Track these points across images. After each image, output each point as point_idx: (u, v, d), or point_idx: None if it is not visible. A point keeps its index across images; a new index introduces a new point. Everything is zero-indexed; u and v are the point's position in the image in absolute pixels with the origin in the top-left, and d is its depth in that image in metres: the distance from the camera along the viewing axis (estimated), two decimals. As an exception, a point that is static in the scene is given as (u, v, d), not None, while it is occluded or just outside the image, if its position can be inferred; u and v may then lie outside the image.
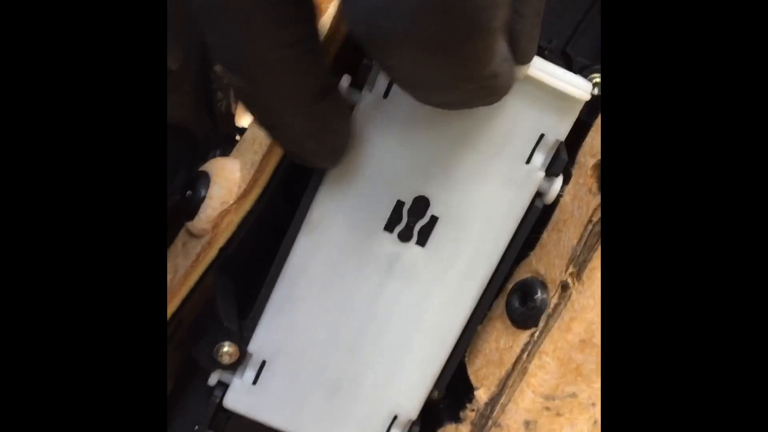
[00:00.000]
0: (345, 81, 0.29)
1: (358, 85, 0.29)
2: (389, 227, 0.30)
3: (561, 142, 0.29)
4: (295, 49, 0.23)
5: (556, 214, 0.30)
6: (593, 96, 0.30)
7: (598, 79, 0.30)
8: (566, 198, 0.30)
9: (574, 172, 0.30)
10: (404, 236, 0.30)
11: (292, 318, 0.31)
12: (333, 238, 0.30)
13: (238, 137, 0.37)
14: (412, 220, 0.30)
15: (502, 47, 0.22)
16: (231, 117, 0.37)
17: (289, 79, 0.24)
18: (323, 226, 0.30)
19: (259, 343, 0.31)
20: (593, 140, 0.30)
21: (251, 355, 0.31)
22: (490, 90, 0.23)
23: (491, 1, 0.20)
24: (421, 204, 0.30)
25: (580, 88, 0.28)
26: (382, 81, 0.28)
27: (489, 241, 0.30)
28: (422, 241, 0.30)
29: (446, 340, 0.31)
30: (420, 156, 0.29)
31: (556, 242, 0.30)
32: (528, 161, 0.29)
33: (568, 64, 0.32)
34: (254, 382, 0.32)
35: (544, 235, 0.31)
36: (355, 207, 0.30)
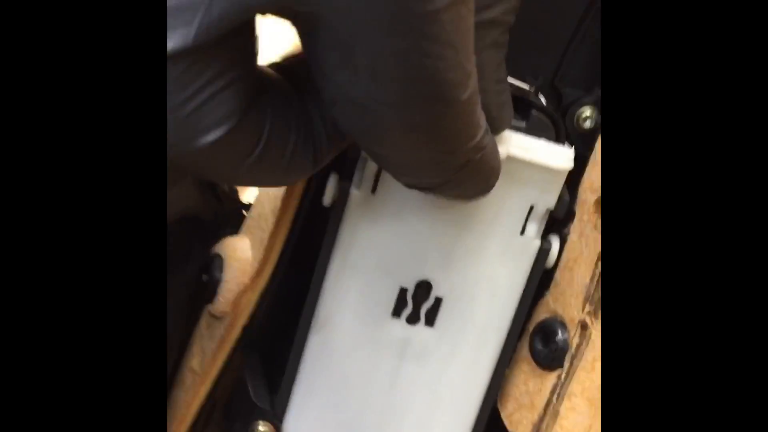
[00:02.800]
0: (332, 179, 0.29)
1: (345, 181, 0.29)
2: (396, 312, 0.30)
3: (550, 211, 0.30)
4: None
5: (566, 254, 0.30)
6: (586, 129, 0.30)
7: (588, 113, 0.30)
8: (573, 236, 0.30)
9: (577, 209, 0.30)
10: (412, 319, 0.31)
11: (317, 410, 0.32)
12: (342, 333, 0.31)
13: (244, 212, 0.37)
14: (417, 304, 0.30)
15: (482, 119, 0.23)
16: (235, 194, 0.37)
17: None
18: (331, 322, 0.31)
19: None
20: (591, 175, 0.30)
21: None
22: (479, 167, 0.24)
23: (459, 77, 0.21)
24: (423, 288, 0.30)
25: (562, 158, 0.29)
26: (369, 177, 0.29)
27: (495, 313, 0.31)
28: (430, 322, 0.31)
29: (468, 411, 0.32)
30: (416, 243, 0.30)
31: (569, 281, 0.30)
32: (522, 232, 0.30)
33: (558, 98, 0.32)
34: None
35: (557, 274, 0.31)
36: (360, 299, 0.30)
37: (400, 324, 0.31)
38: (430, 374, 0.31)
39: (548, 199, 0.29)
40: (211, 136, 0.21)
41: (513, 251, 0.30)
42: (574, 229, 0.30)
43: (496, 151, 0.25)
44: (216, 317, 0.34)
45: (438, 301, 0.30)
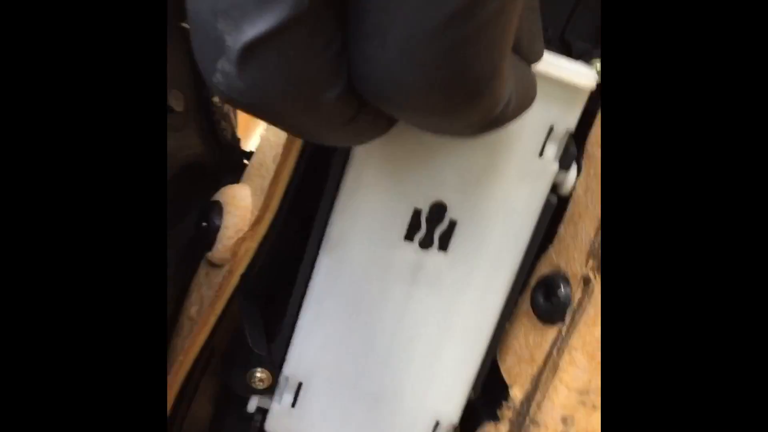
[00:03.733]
0: None
1: None
2: (409, 236, 0.30)
3: (571, 134, 0.29)
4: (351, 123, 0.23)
5: (571, 208, 0.30)
6: (598, 84, 0.29)
7: (598, 67, 0.30)
8: (579, 191, 0.30)
9: (584, 163, 0.30)
10: (425, 243, 0.30)
11: (323, 337, 0.31)
12: (354, 253, 0.30)
13: (245, 161, 0.37)
14: (431, 227, 0.30)
15: (508, 87, 0.22)
16: (237, 142, 0.37)
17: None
18: (343, 243, 0.30)
19: (294, 365, 0.32)
20: (599, 129, 0.29)
21: (287, 378, 0.32)
22: (502, 119, 0.23)
23: (490, 67, 0.20)
24: (438, 210, 0.29)
25: (585, 77, 0.28)
26: None
27: (510, 239, 0.30)
28: (444, 247, 0.30)
29: (479, 341, 0.31)
30: (432, 162, 0.29)
31: (573, 236, 0.30)
32: (541, 154, 0.29)
33: (568, 51, 0.31)
34: (293, 405, 0.32)
35: (561, 228, 0.30)
36: (373, 220, 0.29)
37: (413, 248, 0.30)
38: (442, 300, 0.31)
39: (569, 120, 0.28)
40: (335, 90, 0.20)
41: (531, 174, 0.29)
42: (580, 184, 0.30)
43: (529, 85, 0.24)
44: (215, 265, 0.34)
45: (452, 225, 0.29)
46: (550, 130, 0.29)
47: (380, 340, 0.31)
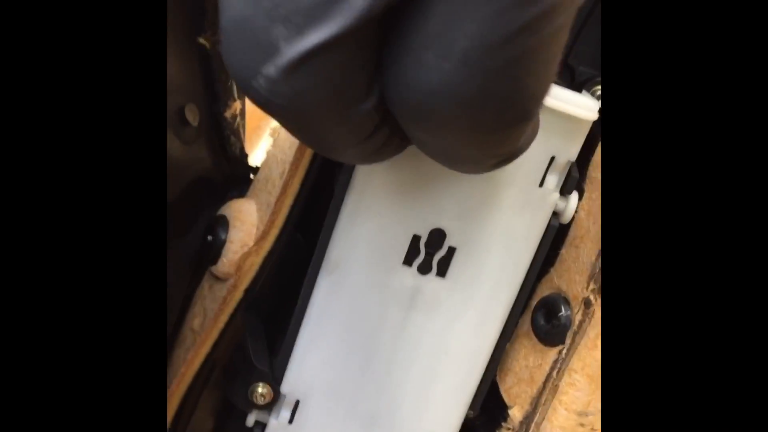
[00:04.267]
0: None
1: None
2: (408, 261, 0.30)
3: (572, 162, 0.29)
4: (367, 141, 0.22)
5: (573, 231, 0.30)
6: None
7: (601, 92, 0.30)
8: (581, 214, 0.30)
9: (587, 187, 0.30)
10: (424, 269, 0.30)
11: (321, 357, 0.31)
12: (353, 277, 0.30)
13: (252, 176, 0.37)
14: (430, 253, 0.30)
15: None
16: (245, 157, 0.37)
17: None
18: (342, 266, 0.30)
19: (291, 383, 0.32)
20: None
21: (284, 395, 0.32)
22: (514, 156, 0.23)
23: (541, 94, 0.20)
24: (437, 236, 0.30)
25: (587, 109, 0.28)
26: None
27: (509, 266, 0.30)
28: (442, 272, 0.30)
29: (476, 364, 0.32)
30: (432, 189, 0.29)
31: (575, 258, 0.30)
32: (541, 184, 0.29)
33: (572, 76, 0.32)
34: (290, 422, 0.32)
35: (563, 251, 0.31)
36: (373, 244, 0.30)
37: (411, 273, 0.30)
38: (439, 326, 0.31)
39: (570, 151, 0.29)
40: (369, 103, 0.20)
41: (531, 203, 0.29)
42: (582, 207, 0.30)
43: (531, 139, 0.24)
44: (219, 278, 0.34)
45: (451, 251, 0.30)
46: (551, 160, 0.29)
47: (377, 362, 0.32)
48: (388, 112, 0.21)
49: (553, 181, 0.29)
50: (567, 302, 0.30)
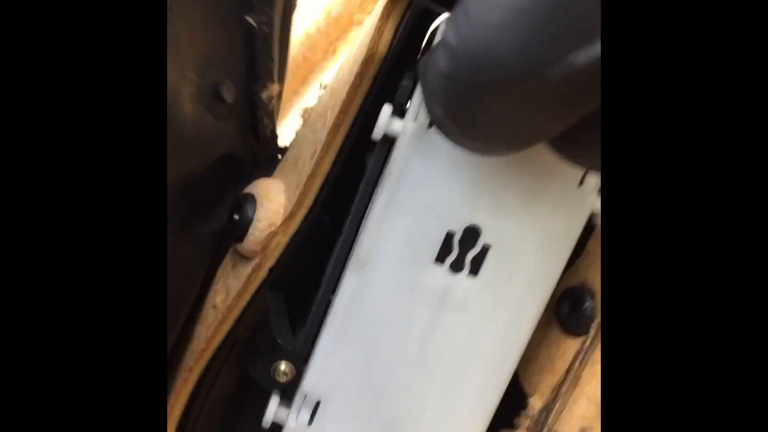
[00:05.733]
0: (386, 110, 0.28)
1: (399, 113, 0.28)
2: (440, 258, 0.29)
3: None
4: None
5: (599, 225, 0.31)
6: None
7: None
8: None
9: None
10: (456, 267, 0.29)
11: (345, 356, 0.31)
12: (383, 274, 0.29)
13: (279, 156, 0.37)
14: (463, 251, 0.29)
15: None
16: (275, 139, 0.37)
17: None
18: (372, 262, 0.29)
19: (313, 382, 0.31)
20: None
21: (305, 395, 0.31)
22: None
23: None
24: (471, 234, 0.29)
25: None
26: (425, 111, 0.27)
27: (544, 267, 0.30)
28: (474, 271, 0.29)
29: (504, 369, 0.31)
30: (468, 185, 0.28)
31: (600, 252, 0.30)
32: (580, 184, 0.28)
33: None
34: (309, 423, 0.31)
35: (589, 243, 0.31)
36: (404, 241, 0.29)
37: (443, 271, 0.29)
38: (469, 326, 0.30)
39: None
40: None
41: (569, 203, 0.28)
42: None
43: None
44: (243, 256, 0.35)
45: (485, 250, 0.29)
46: None
47: (403, 364, 0.31)
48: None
49: (593, 181, 0.28)
50: (592, 294, 0.30)
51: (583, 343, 0.30)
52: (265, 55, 0.33)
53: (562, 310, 0.31)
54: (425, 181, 0.28)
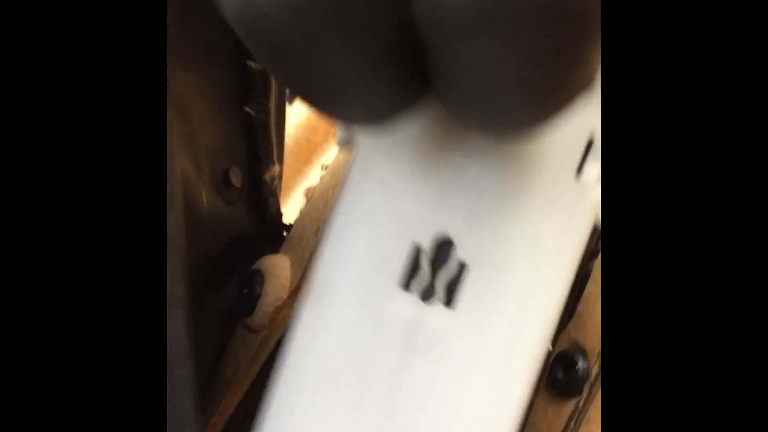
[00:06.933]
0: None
1: None
2: (406, 282, 0.23)
3: None
4: None
5: (589, 287, 0.32)
6: None
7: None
8: (595, 272, 0.32)
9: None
10: (426, 294, 0.23)
11: (300, 414, 0.24)
12: (339, 305, 0.24)
13: (284, 233, 0.39)
14: (435, 270, 0.23)
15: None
16: (280, 216, 0.39)
17: None
18: (327, 292, 0.24)
19: None
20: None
21: None
22: (583, 90, 0.18)
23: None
24: (443, 247, 0.23)
25: None
26: None
27: (540, 288, 0.23)
28: (449, 300, 0.23)
29: (499, 426, 0.23)
30: (438, 185, 0.23)
31: (591, 313, 0.32)
32: (578, 173, 0.22)
33: None
34: None
35: (580, 306, 0.32)
36: (363, 261, 0.23)
37: (410, 300, 0.23)
38: (447, 374, 0.23)
39: None
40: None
41: (565, 201, 0.22)
42: (596, 265, 0.32)
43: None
44: (252, 330, 0.36)
45: (461, 269, 0.22)
46: (590, 143, 0.22)
47: (369, 423, 0.24)
48: (412, 35, 0.16)
49: (594, 170, 0.22)
50: (584, 354, 0.32)
51: (577, 404, 0.32)
52: (265, 140, 0.36)
53: (556, 374, 0.32)
54: (387, 182, 0.23)
